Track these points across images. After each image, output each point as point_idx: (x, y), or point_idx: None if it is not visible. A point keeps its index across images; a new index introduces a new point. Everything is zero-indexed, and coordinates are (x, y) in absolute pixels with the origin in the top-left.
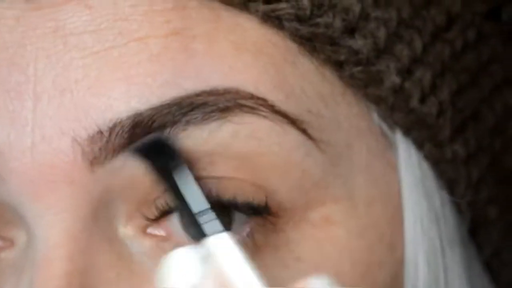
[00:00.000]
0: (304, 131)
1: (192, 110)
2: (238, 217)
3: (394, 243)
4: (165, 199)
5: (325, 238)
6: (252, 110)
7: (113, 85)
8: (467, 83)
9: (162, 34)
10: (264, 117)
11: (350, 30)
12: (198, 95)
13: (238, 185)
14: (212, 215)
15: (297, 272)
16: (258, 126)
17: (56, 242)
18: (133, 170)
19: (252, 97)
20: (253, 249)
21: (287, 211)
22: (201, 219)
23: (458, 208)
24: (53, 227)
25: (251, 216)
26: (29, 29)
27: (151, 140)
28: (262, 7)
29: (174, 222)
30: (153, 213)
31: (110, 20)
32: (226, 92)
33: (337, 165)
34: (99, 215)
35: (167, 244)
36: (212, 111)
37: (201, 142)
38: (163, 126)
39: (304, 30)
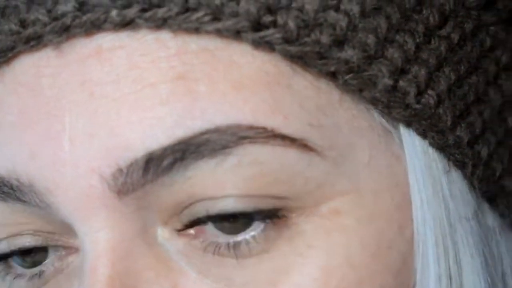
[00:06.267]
0: (304, 146)
1: (198, 147)
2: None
3: (402, 225)
4: (187, 215)
5: (334, 227)
6: (253, 139)
7: (130, 127)
8: (468, 71)
9: (168, 79)
10: (265, 143)
11: (339, 43)
12: (203, 133)
13: (246, 200)
14: None
15: (310, 258)
16: (260, 153)
17: (99, 253)
18: (157, 195)
19: (252, 128)
20: (266, 242)
21: (298, 209)
22: None
23: (471, 184)
24: (96, 242)
25: (265, 218)
26: (63, 85)
27: None
28: (252, 35)
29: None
30: (180, 224)
31: (125, 69)
32: (228, 128)
33: (341, 164)
34: (136, 227)
35: (197, 241)
36: (216, 148)
37: (209, 172)
38: (172, 163)
39: (293, 50)
